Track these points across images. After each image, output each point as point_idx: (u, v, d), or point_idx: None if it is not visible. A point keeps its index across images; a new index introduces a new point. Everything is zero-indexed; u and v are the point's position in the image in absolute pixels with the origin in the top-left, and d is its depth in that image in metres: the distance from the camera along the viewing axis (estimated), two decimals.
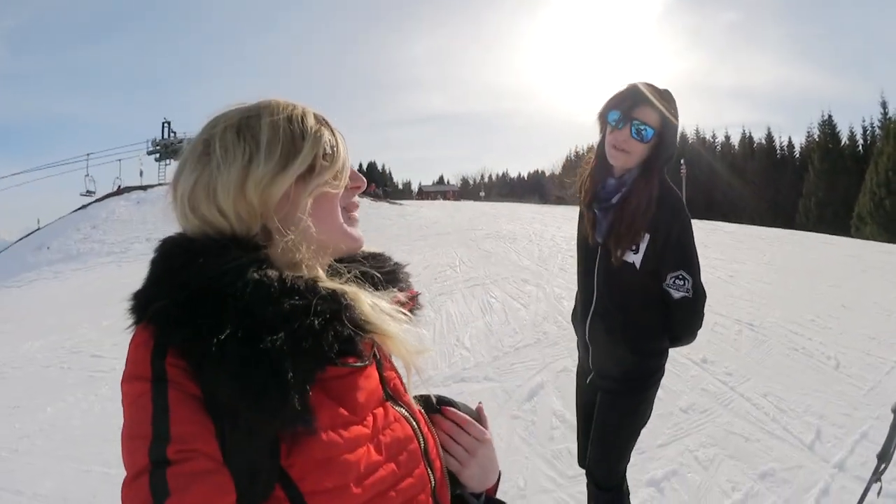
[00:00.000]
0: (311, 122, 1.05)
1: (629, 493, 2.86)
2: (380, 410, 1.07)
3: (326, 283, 0.98)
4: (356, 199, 1.14)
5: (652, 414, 2.74)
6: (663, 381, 2.72)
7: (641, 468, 4.12)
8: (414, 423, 1.14)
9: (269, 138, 1.00)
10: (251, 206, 0.98)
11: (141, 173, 41.63)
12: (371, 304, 1.01)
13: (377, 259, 1.22)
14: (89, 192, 42.55)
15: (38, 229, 30.98)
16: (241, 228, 0.98)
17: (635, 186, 2.50)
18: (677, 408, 5.18)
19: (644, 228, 2.46)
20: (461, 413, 1.28)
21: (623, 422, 2.70)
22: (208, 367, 0.83)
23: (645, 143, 2.43)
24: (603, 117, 2.56)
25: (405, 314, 1.08)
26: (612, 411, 2.70)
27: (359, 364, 1.02)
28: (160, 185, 36.40)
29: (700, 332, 2.60)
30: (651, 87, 2.47)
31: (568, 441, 4.72)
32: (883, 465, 2.91)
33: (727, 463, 4.27)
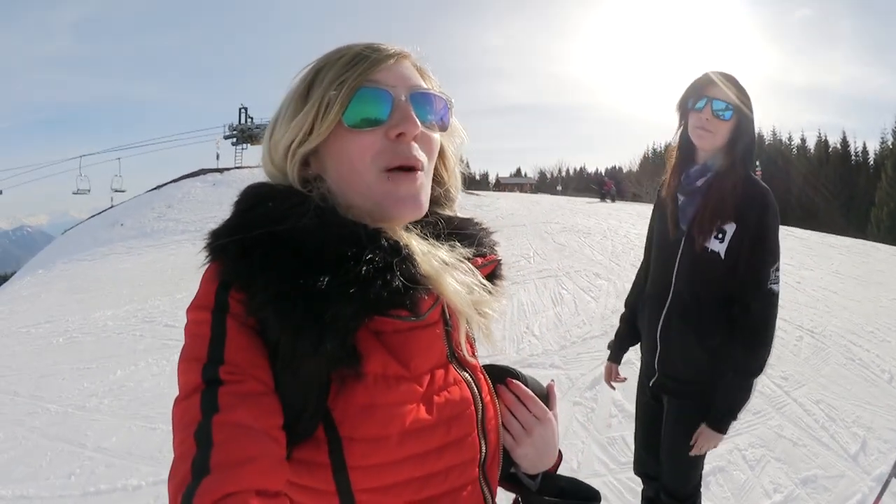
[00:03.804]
0: (329, 72, 1.00)
1: None
2: (440, 371, 1.05)
3: (391, 233, 0.97)
4: (419, 155, 1.02)
5: None
6: None
7: None
8: (475, 390, 1.10)
9: (286, 100, 1.04)
10: (277, 163, 1.04)
11: (217, 156, 42.39)
12: (424, 251, 1.00)
13: (464, 222, 1.18)
14: (80, 191, 43.81)
15: (112, 207, 31.68)
16: (298, 178, 1.02)
17: (720, 169, 2.46)
18: None
19: (730, 214, 2.40)
20: (524, 387, 1.21)
21: (693, 429, 2.52)
22: (258, 302, 0.87)
23: (726, 121, 2.41)
24: (682, 104, 2.56)
25: (470, 268, 1.06)
26: (680, 418, 2.59)
27: (411, 318, 0.99)
28: (237, 168, 37.07)
29: None
30: (722, 73, 2.47)
31: (624, 430, 4.83)
32: None
33: (773, 465, 4.29)
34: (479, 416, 1.09)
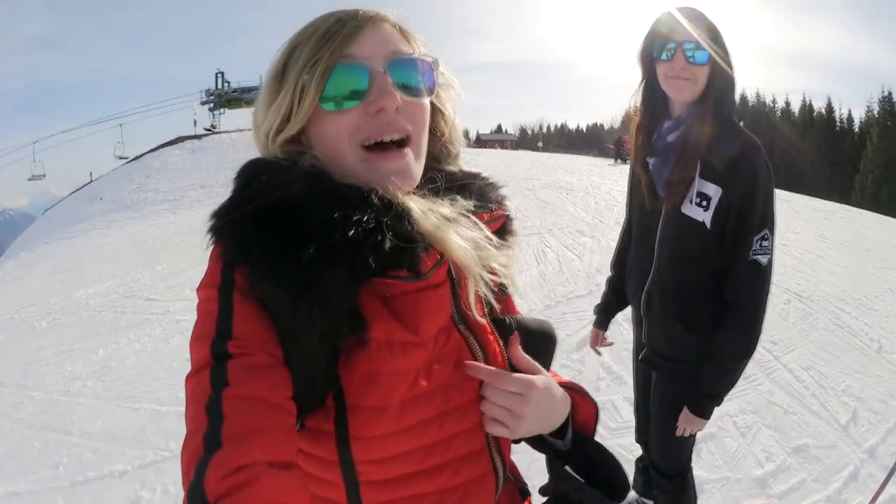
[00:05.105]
0: (303, 52, 0.97)
1: (694, 484, 2.71)
2: (442, 335, 1.02)
3: (385, 194, 0.95)
4: (403, 124, 0.99)
5: None
6: None
7: None
8: (478, 352, 1.06)
9: (264, 82, 1.04)
10: (263, 145, 1.04)
11: (195, 123, 42.51)
12: (423, 210, 0.97)
13: (467, 176, 1.15)
14: (35, 177, 44.02)
15: (91, 182, 31.55)
16: (290, 152, 1.00)
17: (694, 118, 2.19)
18: None
19: (696, 164, 2.16)
20: (486, 368, 1.04)
21: (680, 408, 2.39)
22: (257, 276, 0.87)
23: (704, 64, 2.12)
24: (646, 54, 2.28)
25: (475, 222, 1.03)
26: (667, 397, 2.47)
27: (412, 279, 0.95)
28: (215, 132, 37.01)
29: None
30: (685, 9, 2.16)
31: (613, 393, 4.81)
32: None
33: (764, 432, 4.28)
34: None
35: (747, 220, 2.13)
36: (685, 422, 2.36)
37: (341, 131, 0.97)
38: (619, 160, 28.11)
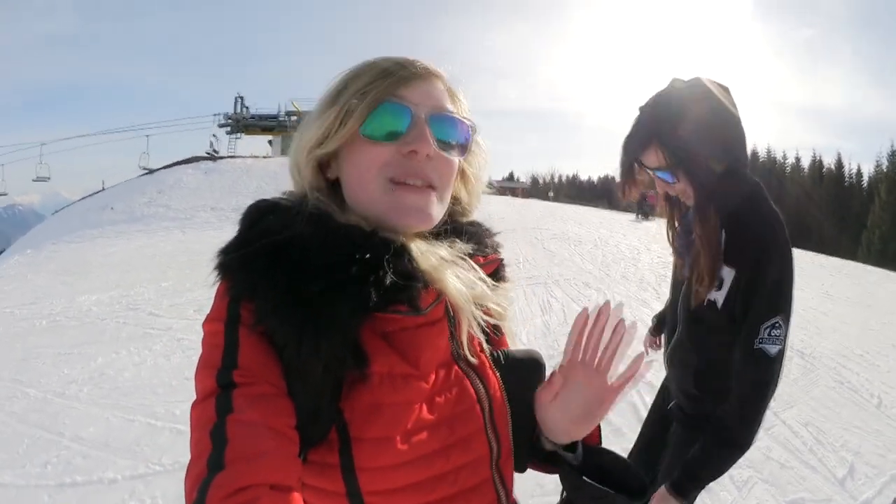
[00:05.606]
0: (357, 82, 1.02)
1: None
2: (443, 370, 1.07)
3: (387, 235, 0.99)
4: (430, 173, 1.03)
5: None
6: None
7: None
8: (479, 386, 1.10)
9: (320, 98, 1.07)
10: (298, 161, 1.07)
11: (211, 144, 42.27)
12: (422, 250, 1.01)
13: (468, 224, 1.19)
14: (40, 178, 44.71)
15: (103, 190, 31.62)
16: (313, 185, 1.06)
17: (695, 223, 2.09)
18: None
19: (716, 262, 2.03)
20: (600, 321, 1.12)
21: None
22: (262, 312, 0.90)
23: (672, 183, 2.05)
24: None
25: (471, 265, 1.08)
26: (680, 448, 2.34)
27: (412, 313, 1.00)
28: (230, 157, 37.04)
29: None
30: (657, 107, 2.04)
31: (611, 445, 4.78)
32: None
33: (760, 486, 4.24)
34: (487, 413, 1.09)
35: (755, 305, 1.96)
36: (658, 499, 2.14)
37: (372, 163, 1.00)
38: (640, 216, 25.79)
